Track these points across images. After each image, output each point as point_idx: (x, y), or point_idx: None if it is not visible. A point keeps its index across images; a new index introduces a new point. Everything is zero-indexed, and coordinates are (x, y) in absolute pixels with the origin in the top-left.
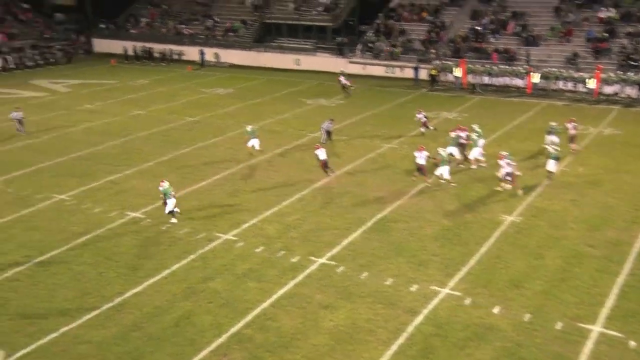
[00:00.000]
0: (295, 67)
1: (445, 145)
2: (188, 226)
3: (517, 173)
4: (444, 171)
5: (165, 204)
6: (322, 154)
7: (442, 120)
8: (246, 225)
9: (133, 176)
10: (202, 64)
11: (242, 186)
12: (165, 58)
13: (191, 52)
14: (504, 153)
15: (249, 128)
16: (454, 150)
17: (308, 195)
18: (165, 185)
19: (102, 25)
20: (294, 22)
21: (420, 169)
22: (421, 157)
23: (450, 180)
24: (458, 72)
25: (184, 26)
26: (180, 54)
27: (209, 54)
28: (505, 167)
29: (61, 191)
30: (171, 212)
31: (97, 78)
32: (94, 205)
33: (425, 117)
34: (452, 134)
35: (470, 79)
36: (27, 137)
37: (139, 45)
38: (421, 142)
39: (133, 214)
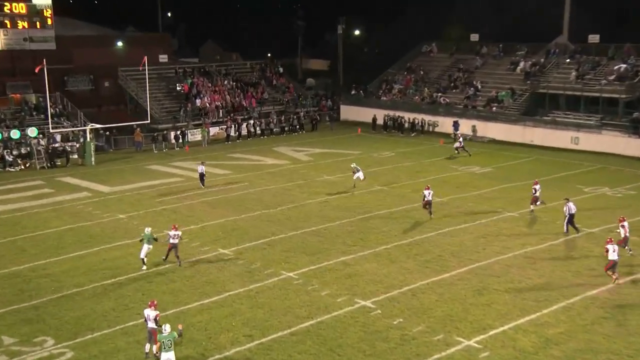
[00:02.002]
0: (572, 146)
1: None
2: (423, 324)
3: None
4: None
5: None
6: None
7: None
8: (494, 331)
9: (367, 259)
10: (456, 137)
11: (491, 283)
12: (415, 129)
13: (446, 124)
14: None
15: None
16: None
17: (578, 304)
18: (147, 231)
19: (352, 92)
20: (576, 93)
21: None
22: None
23: None
24: None
25: (440, 94)
26: (433, 124)
27: (466, 126)
28: None
29: (290, 268)
30: (143, 260)
31: (340, 147)
32: (321, 286)
33: None
34: None
35: None
36: (263, 207)
37: (389, 113)
38: None
39: (363, 302)
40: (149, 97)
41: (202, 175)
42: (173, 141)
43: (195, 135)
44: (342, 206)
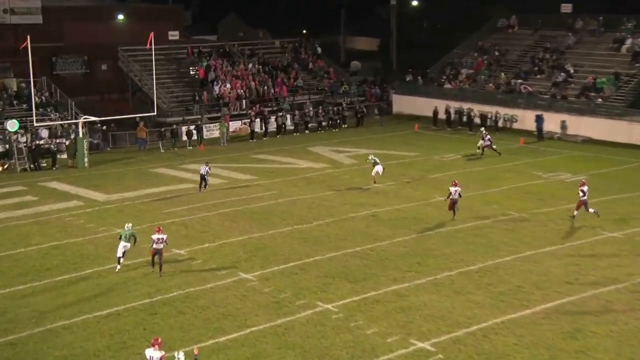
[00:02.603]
0: None
1: None
2: None
3: None
4: None
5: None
6: None
7: None
8: None
9: (425, 288)
10: (540, 135)
11: (586, 324)
12: (486, 124)
13: (527, 118)
14: None
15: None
16: None
17: None
18: (128, 227)
19: (408, 78)
20: None
21: None
22: None
23: None
24: None
25: (520, 81)
26: (510, 119)
27: (553, 121)
28: None
29: (328, 298)
30: (119, 259)
31: (392, 148)
32: (367, 323)
33: None
34: None
35: None
36: (294, 221)
37: (455, 105)
38: None
39: (420, 344)
40: (156, 83)
41: (203, 178)
42: (185, 138)
43: (212, 131)
44: (394, 221)
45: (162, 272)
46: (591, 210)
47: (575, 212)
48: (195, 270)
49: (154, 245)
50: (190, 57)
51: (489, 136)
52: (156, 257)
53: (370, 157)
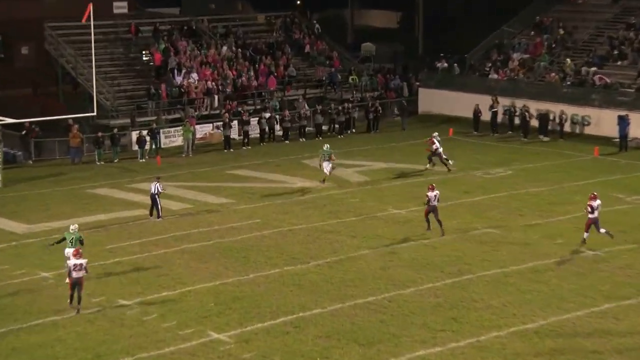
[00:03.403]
0: None
1: None
2: None
3: None
4: None
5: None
6: None
7: None
8: None
9: (466, 355)
10: (623, 144)
11: None
12: (546, 128)
13: (605, 119)
14: None
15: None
16: None
17: None
18: (73, 229)
19: (440, 65)
20: None
21: None
22: None
23: None
24: None
25: (594, 69)
26: (581, 121)
27: (639, 125)
28: None
29: None
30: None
31: (417, 161)
32: None
33: None
34: None
35: None
36: (285, 260)
37: (504, 102)
38: None
39: None
40: (96, 73)
41: (154, 199)
42: (135, 147)
43: (172, 137)
44: (421, 261)
45: (80, 307)
46: (602, 230)
47: (585, 235)
48: (149, 328)
49: (73, 274)
50: (140, 37)
51: (438, 140)
52: (75, 289)
53: (325, 147)
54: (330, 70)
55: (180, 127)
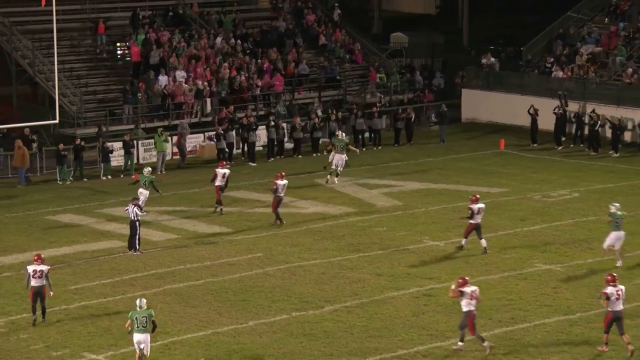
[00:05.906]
0: None
1: None
2: None
3: None
4: None
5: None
6: None
7: None
8: None
9: None
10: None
11: None
12: (620, 138)
13: None
14: None
15: None
16: None
17: None
18: (147, 171)
19: (487, 61)
20: None
21: None
22: None
23: None
24: None
25: None
26: None
27: None
28: None
29: None
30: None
31: (460, 180)
32: None
33: None
34: None
35: None
36: (294, 305)
37: (570, 107)
38: None
39: None
40: (59, 70)
41: (134, 226)
42: (112, 163)
43: (153, 151)
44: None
45: (45, 320)
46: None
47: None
48: None
49: (32, 282)
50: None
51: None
52: (37, 301)
53: (340, 135)
54: (352, 67)
55: (159, 138)
